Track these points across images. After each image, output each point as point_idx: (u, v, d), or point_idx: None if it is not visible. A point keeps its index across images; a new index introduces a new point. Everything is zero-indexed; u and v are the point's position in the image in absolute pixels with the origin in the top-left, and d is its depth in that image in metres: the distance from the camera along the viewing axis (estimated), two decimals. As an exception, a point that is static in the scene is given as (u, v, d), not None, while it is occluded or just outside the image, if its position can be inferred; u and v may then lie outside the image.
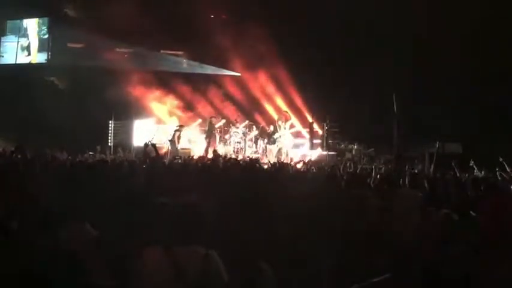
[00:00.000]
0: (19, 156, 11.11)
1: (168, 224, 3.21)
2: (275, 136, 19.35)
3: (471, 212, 6.02)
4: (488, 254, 4.80)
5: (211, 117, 20.17)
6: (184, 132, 20.02)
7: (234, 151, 19.95)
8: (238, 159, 14.95)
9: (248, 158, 15.77)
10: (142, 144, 19.08)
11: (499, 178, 9.86)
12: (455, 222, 6.08)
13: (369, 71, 18.17)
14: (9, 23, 23.06)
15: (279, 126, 19.38)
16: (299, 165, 13.06)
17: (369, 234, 5.87)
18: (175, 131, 19.48)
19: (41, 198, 5.22)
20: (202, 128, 20.50)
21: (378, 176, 9.63)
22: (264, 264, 3.18)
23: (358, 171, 11.88)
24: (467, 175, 10.73)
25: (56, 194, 5.19)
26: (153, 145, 9.16)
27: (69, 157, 14.36)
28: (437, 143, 14.61)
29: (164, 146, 18.97)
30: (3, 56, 23.14)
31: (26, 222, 4.62)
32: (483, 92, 17.19)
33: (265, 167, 12.09)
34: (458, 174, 10.66)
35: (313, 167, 12.56)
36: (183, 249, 2.98)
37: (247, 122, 21.20)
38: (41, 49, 22.57)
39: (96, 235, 4.32)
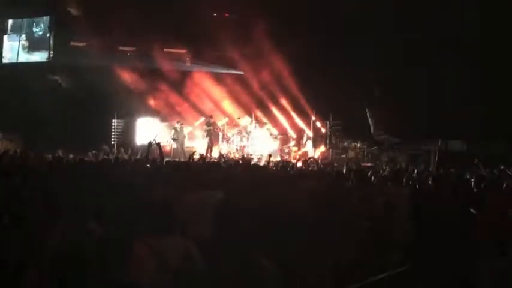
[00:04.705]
0: (23, 155, 11.17)
1: (168, 219, 3.26)
2: None
3: (472, 209, 6.02)
4: (488, 251, 4.80)
5: (210, 116, 20.18)
6: (187, 130, 20.05)
7: (236, 149, 19.97)
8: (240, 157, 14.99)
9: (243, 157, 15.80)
10: (145, 143, 19.28)
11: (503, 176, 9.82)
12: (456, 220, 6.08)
13: (372, 68, 18.15)
14: (11, 22, 23.04)
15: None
16: (299, 164, 13.10)
17: (373, 231, 5.87)
18: (177, 128, 19.57)
19: (45, 196, 5.23)
20: (205, 127, 20.46)
21: (382, 174, 9.62)
22: (264, 260, 3.17)
23: (361, 169, 11.88)
24: (470, 173, 10.69)
25: (60, 192, 5.20)
26: (158, 144, 9.17)
27: (72, 156, 14.37)
28: (439, 140, 14.59)
29: (167, 145, 19.01)
30: (4, 56, 23.15)
31: (27, 219, 4.63)
32: (488, 90, 17.14)
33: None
34: (461, 172, 10.64)
35: (314, 165, 12.55)
36: (165, 240, 3.06)
37: (250, 120, 21.21)
38: (42, 48, 22.55)
39: (100, 233, 4.33)
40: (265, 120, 21.34)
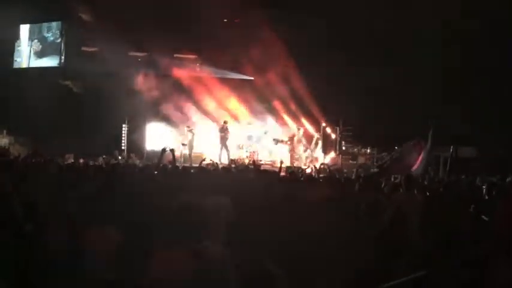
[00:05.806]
0: (34, 160, 11.22)
1: (179, 224, 3.29)
2: None
3: (484, 216, 5.98)
4: (500, 258, 4.76)
5: (225, 122, 20.17)
6: (197, 136, 20.07)
7: (247, 155, 19.95)
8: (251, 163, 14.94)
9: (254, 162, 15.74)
10: (154, 148, 19.32)
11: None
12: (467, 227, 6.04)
13: (381, 73, 18.09)
14: (23, 27, 23.24)
15: None
16: (308, 170, 13.07)
17: (383, 239, 5.84)
18: (187, 133, 19.61)
19: (58, 201, 5.26)
20: (215, 132, 20.45)
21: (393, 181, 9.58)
22: (272, 266, 3.17)
23: (371, 175, 11.81)
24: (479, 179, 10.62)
25: (71, 197, 5.23)
26: (172, 150, 9.15)
27: (83, 160, 14.43)
28: (451, 147, 14.48)
29: (177, 150, 19.01)
30: (16, 60, 23.34)
31: (44, 224, 4.65)
32: (498, 96, 17.04)
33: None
34: (472, 179, 10.57)
35: (325, 172, 12.51)
36: (204, 245, 3.11)
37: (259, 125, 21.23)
38: (54, 53, 22.73)
39: (119, 239, 4.34)
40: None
